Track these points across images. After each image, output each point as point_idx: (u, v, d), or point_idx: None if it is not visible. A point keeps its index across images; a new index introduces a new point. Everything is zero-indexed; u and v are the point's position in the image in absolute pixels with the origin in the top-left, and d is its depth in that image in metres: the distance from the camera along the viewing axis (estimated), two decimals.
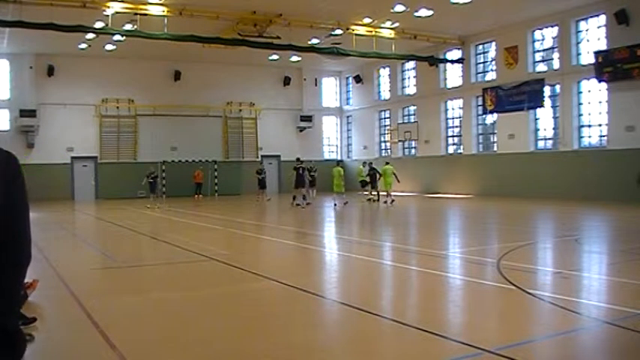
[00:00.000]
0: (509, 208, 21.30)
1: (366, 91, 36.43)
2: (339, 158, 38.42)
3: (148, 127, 32.64)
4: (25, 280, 5.81)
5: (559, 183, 24.17)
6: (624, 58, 21.01)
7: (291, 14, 23.54)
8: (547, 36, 25.62)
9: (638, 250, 10.38)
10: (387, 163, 25.56)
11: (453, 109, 30.77)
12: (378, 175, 24.87)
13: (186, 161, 32.50)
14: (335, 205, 23.13)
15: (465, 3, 21.91)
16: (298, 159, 26.12)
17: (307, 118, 36.44)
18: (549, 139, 25.86)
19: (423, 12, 23.29)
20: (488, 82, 27.97)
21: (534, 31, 25.85)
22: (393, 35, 26.48)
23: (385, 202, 23.87)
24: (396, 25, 25.59)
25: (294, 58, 32.03)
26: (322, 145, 38.46)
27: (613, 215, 17.78)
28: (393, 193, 24.99)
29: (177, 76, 32.99)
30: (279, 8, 23.12)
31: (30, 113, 29.13)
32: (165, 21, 22.32)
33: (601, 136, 23.48)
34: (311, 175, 27.69)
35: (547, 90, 24.82)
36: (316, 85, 37.66)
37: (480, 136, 29.40)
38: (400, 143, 33.45)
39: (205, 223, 17.56)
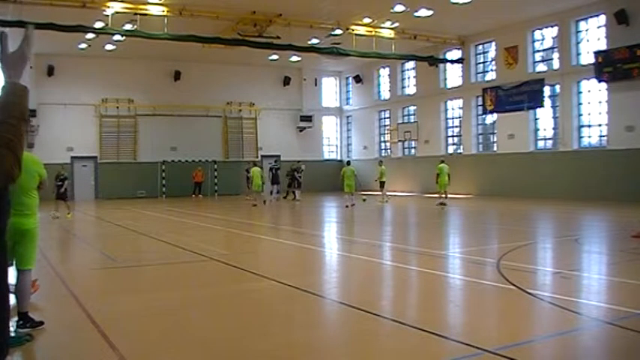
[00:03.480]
0: (509, 208, 21.30)
1: (365, 91, 36.44)
2: (339, 158, 38.54)
3: (148, 127, 32.64)
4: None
5: (559, 183, 24.17)
6: (624, 58, 21.01)
7: (291, 14, 23.53)
8: (547, 36, 25.63)
9: (638, 250, 10.38)
10: (443, 162, 23.46)
11: (452, 109, 30.77)
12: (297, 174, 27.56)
13: (186, 161, 32.51)
14: (347, 206, 21.83)
15: (465, 3, 21.91)
16: (276, 161, 29.36)
17: (307, 118, 36.43)
18: (549, 139, 25.86)
19: (423, 12, 23.29)
20: (488, 82, 27.97)
21: (534, 31, 25.85)
22: (393, 35, 26.48)
23: (441, 203, 21.79)
24: (396, 25, 25.59)
25: (294, 58, 32.03)
26: (322, 145, 38.46)
27: (613, 215, 17.77)
28: (390, 193, 25.02)
29: (177, 76, 32.99)
30: (279, 8, 23.12)
31: (30, 113, 29.01)
32: (165, 21, 22.31)
33: (601, 136, 23.48)
34: (298, 176, 28.13)
35: (547, 90, 24.82)
36: (316, 85, 37.65)
37: (480, 136, 29.41)
38: (400, 143, 33.46)
39: (205, 223, 17.55)
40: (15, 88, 1.95)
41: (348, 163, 25.63)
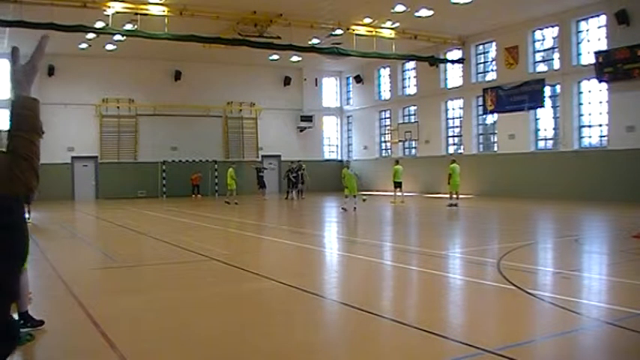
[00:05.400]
0: (509, 208, 21.29)
1: (366, 91, 36.43)
2: (339, 158, 38.53)
3: (149, 126, 32.65)
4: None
5: (559, 183, 24.16)
6: (625, 58, 20.99)
7: (291, 14, 23.53)
8: (547, 36, 25.62)
9: (638, 250, 10.37)
10: (454, 161, 22.77)
11: (453, 109, 30.77)
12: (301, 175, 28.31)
13: (187, 161, 32.51)
14: (354, 208, 20.54)
15: (465, 3, 21.91)
16: (298, 161, 30.44)
17: (307, 118, 36.44)
18: (550, 139, 25.85)
19: (424, 12, 23.29)
20: (488, 82, 27.96)
21: (535, 31, 25.84)
22: (393, 35, 26.48)
23: (451, 204, 21.09)
24: (397, 25, 25.58)
25: (295, 58, 32.03)
26: (322, 145, 38.45)
27: (613, 215, 17.76)
28: (390, 193, 24.92)
29: (177, 76, 33.00)
30: (280, 8, 23.12)
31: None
32: (166, 21, 22.32)
33: (601, 137, 23.48)
34: (300, 173, 28.49)
35: (547, 90, 24.81)
36: (316, 85, 37.65)
37: (481, 136, 29.40)
38: (400, 143, 33.46)
39: (205, 223, 17.55)
40: (25, 101, 1.99)
41: (347, 164, 23.47)
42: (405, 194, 25.73)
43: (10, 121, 1.95)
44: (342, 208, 19.90)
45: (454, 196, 21.91)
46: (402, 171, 25.14)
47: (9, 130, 1.94)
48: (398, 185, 24.89)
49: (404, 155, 33.70)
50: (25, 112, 1.97)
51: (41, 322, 5.74)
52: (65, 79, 30.51)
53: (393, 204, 23.85)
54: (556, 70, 24.70)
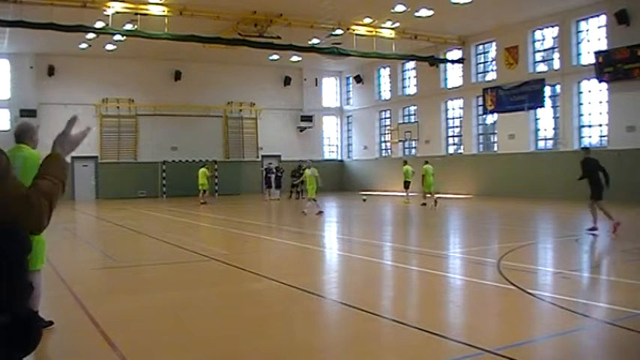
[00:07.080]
0: (509, 208, 21.29)
1: (366, 91, 36.43)
2: (339, 158, 38.49)
3: (149, 127, 32.64)
4: None
5: (559, 183, 24.13)
6: (625, 58, 21.00)
7: (291, 14, 23.54)
8: (547, 36, 25.62)
9: (638, 250, 10.38)
10: (427, 162, 23.58)
11: (453, 109, 30.77)
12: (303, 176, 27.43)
13: (187, 161, 32.50)
14: (304, 212, 18.96)
15: (465, 3, 21.91)
16: (303, 164, 29.93)
17: (307, 118, 36.44)
18: (550, 139, 25.85)
19: (424, 12, 23.29)
20: (488, 82, 27.96)
21: (535, 31, 25.84)
22: (393, 35, 26.48)
23: (424, 204, 21.95)
24: (397, 25, 25.58)
25: (295, 58, 32.02)
26: (322, 145, 38.45)
27: (613, 215, 17.71)
28: (390, 193, 24.88)
29: (177, 76, 32.99)
30: (280, 8, 23.13)
31: (30, 113, 29.05)
32: (166, 21, 22.31)
33: (601, 137, 23.48)
34: (298, 175, 28.75)
35: (547, 90, 24.81)
36: (316, 85, 37.65)
37: (481, 136, 29.40)
38: (400, 143, 33.46)
39: (205, 223, 17.56)
40: (61, 158, 2.26)
41: (308, 165, 20.54)
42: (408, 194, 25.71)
43: (41, 166, 2.16)
44: (317, 212, 18.80)
45: (428, 195, 22.43)
46: (412, 171, 25.21)
47: (37, 173, 2.12)
48: (408, 185, 24.96)
49: (404, 155, 33.71)
50: (58, 164, 2.20)
51: (50, 323, 5.74)
52: (65, 79, 30.50)
53: (405, 204, 23.73)
54: (556, 70, 24.70)
